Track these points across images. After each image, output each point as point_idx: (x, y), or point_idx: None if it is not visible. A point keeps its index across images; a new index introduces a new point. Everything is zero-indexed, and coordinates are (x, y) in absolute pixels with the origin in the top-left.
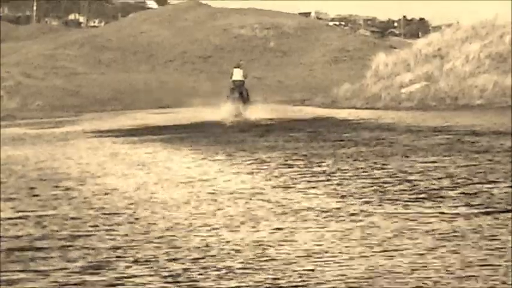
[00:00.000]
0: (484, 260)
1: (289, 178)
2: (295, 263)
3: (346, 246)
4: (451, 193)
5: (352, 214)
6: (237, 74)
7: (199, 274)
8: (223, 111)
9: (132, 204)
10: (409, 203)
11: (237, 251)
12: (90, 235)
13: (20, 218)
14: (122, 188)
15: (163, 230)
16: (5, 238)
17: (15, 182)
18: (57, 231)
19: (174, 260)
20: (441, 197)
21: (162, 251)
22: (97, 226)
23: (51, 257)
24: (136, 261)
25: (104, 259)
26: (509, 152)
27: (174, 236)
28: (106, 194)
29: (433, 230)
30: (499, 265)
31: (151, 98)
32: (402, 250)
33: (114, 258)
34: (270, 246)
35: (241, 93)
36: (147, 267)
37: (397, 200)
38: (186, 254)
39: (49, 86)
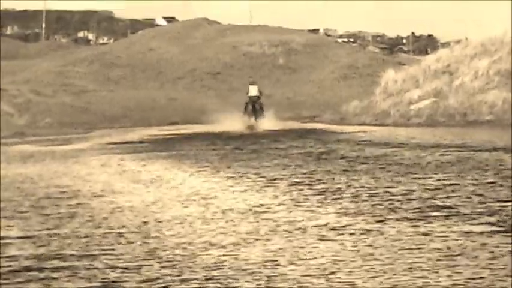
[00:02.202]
0: (489, 278)
1: (298, 195)
2: (305, 282)
3: (354, 266)
4: (461, 211)
5: (362, 232)
6: (253, 90)
7: None
8: (237, 124)
9: (140, 222)
10: (419, 221)
11: (247, 269)
12: (97, 254)
13: (27, 237)
14: (131, 206)
15: (172, 248)
16: (11, 258)
17: (24, 200)
18: (64, 250)
19: (183, 280)
20: (451, 215)
21: (170, 271)
22: (105, 245)
23: (58, 278)
24: (143, 281)
25: (111, 279)
26: None
27: (182, 254)
28: (115, 212)
29: (440, 249)
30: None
31: (160, 115)
32: (411, 268)
33: (122, 278)
34: (280, 264)
35: (255, 106)
36: None
37: (406, 218)
38: (194, 273)
39: (58, 103)
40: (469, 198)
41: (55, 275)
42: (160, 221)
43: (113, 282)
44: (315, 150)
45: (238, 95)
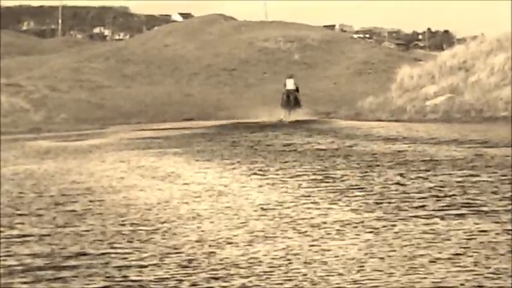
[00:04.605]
0: (505, 275)
1: (313, 192)
2: (320, 279)
3: (370, 263)
4: (479, 208)
5: (378, 230)
6: (289, 84)
7: None
8: (254, 118)
9: (155, 218)
10: (435, 218)
11: (262, 267)
12: (111, 252)
13: (40, 235)
14: (145, 202)
15: (186, 246)
16: (23, 256)
17: (38, 196)
18: (78, 247)
19: (198, 278)
20: (469, 212)
21: (184, 268)
22: (119, 242)
23: (71, 277)
24: (157, 279)
25: (125, 277)
26: None
27: (196, 251)
28: (129, 208)
29: (456, 246)
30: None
31: (176, 111)
32: (427, 265)
33: (136, 276)
34: (295, 262)
35: (289, 98)
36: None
37: (422, 215)
38: (209, 270)
39: (74, 99)
40: (488, 195)
41: (68, 273)
42: (174, 217)
43: (127, 280)
44: (331, 146)
45: (254, 91)
